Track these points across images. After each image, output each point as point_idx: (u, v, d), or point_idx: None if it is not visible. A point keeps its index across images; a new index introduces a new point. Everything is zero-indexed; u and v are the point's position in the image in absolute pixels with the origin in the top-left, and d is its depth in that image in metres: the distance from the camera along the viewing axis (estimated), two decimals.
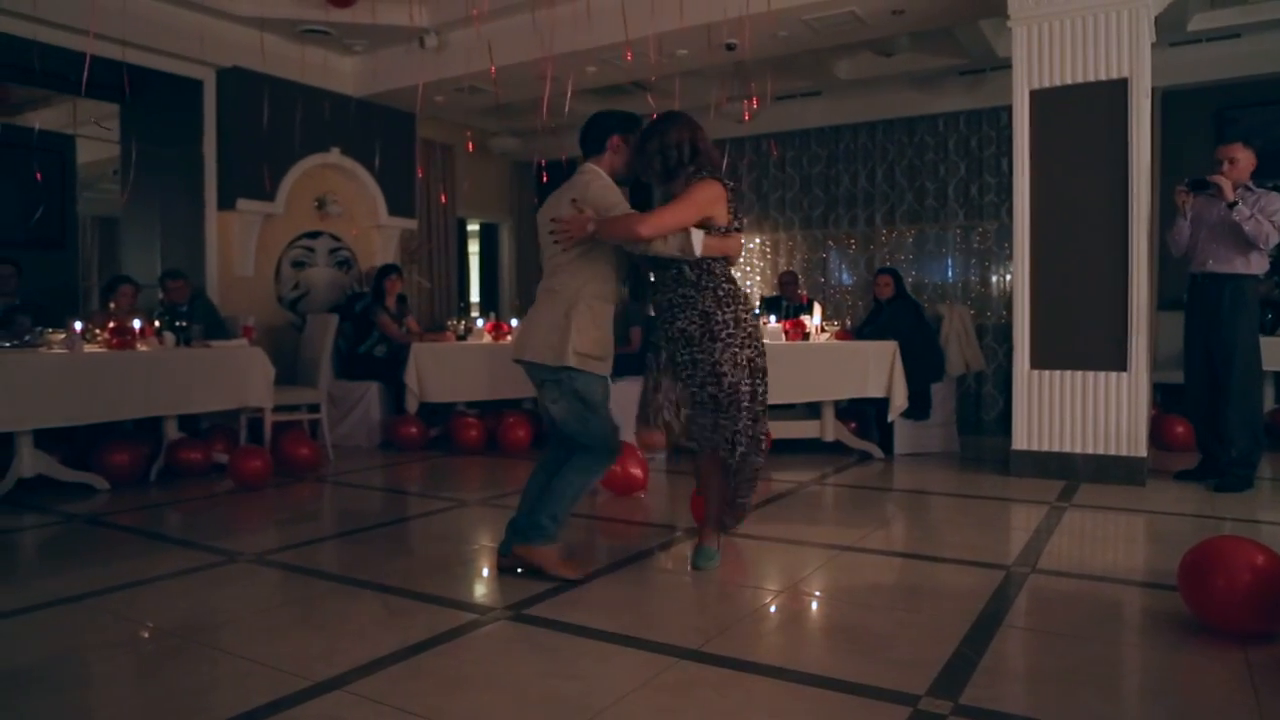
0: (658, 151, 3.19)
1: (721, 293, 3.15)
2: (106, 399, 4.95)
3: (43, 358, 4.80)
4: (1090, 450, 5.09)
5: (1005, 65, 5.80)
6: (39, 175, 6.95)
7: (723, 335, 3.13)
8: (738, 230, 3.18)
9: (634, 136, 3.26)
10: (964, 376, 7.09)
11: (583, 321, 3.12)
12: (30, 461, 4.83)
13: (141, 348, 5.25)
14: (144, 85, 6.68)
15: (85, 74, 5.20)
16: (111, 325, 5.25)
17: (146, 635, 2.82)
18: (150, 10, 6.26)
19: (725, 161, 8.98)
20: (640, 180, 3.32)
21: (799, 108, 8.66)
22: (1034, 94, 5.21)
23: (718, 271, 3.15)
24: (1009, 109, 5.45)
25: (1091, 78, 5.06)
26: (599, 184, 3.17)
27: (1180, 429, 6.15)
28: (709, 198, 3.09)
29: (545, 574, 3.22)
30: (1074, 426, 5.14)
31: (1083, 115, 5.09)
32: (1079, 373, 5.13)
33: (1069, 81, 5.12)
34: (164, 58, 6.59)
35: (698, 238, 3.03)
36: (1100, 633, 2.75)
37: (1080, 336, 5.13)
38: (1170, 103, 7.34)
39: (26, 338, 5.06)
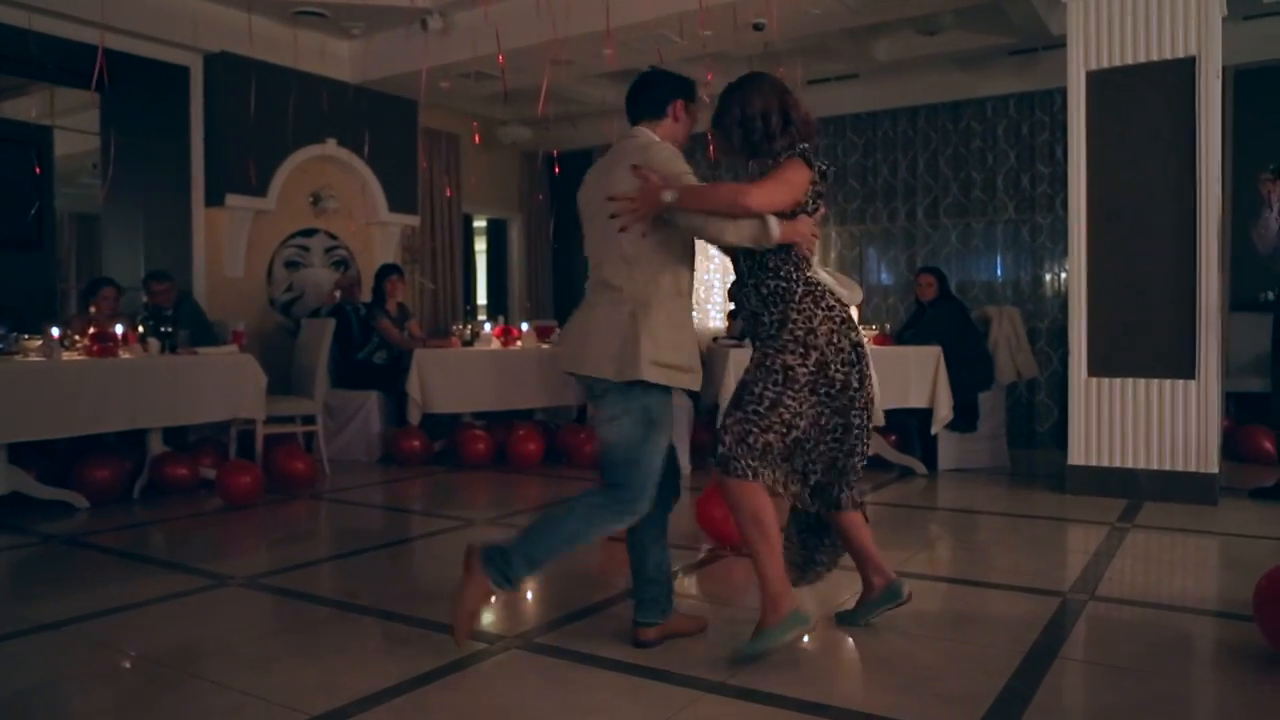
0: (738, 123, 2.91)
1: (766, 290, 2.87)
2: (86, 410, 5.00)
3: (18, 366, 4.86)
4: (1155, 466, 5.05)
5: (1059, 44, 5.77)
6: (36, 169, 7.05)
7: (764, 335, 2.89)
8: (809, 214, 2.87)
9: (694, 106, 3.00)
10: (1014, 385, 7.06)
11: (657, 323, 2.75)
12: (4, 478, 4.89)
13: (124, 355, 5.31)
14: (126, 72, 6.76)
15: (98, 65, 5.27)
16: (92, 331, 5.32)
17: (130, 665, 2.86)
18: None
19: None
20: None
21: (833, 92, 8.64)
22: (1091, 75, 5.19)
23: (770, 265, 2.85)
24: (1063, 92, 5.43)
25: (1155, 56, 5.04)
26: (663, 150, 2.85)
27: (1258, 442, 6.10)
28: (800, 181, 2.81)
29: None
30: (1137, 439, 5.10)
31: (1145, 98, 5.07)
32: (1142, 380, 5.10)
33: (1130, 61, 5.09)
34: (146, 43, 6.67)
35: (775, 224, 2.73)
36: (1167, 667, 2.74)
37: (1143, 341, 5.10)
38: (1244, 83, 7.27)
39: (0, 345, 5.13)
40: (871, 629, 3.10)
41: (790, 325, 2.83)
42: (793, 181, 2.79)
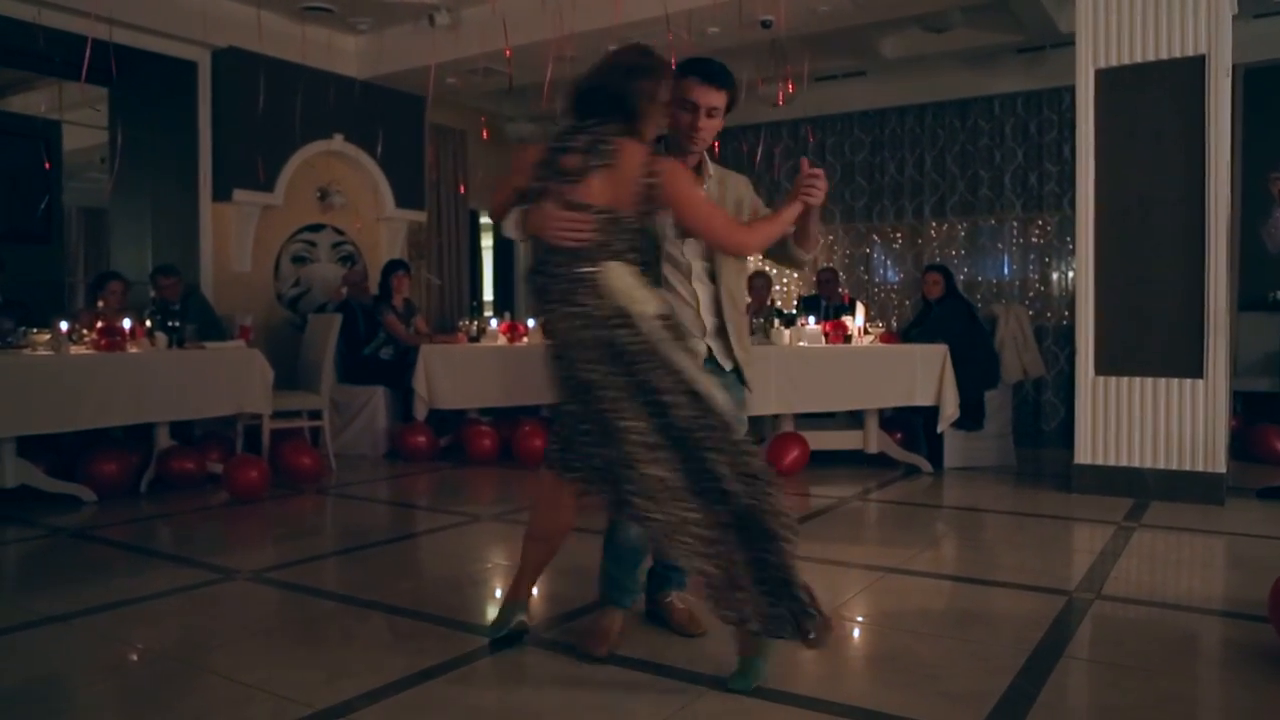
0: None
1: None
2: (94, 404, 5.02)
3: (27, 360, 4.88)
4: (1162, 465, 5.04)
5: (1068, 42, 5.76)
6: (46, 164, 7.08)
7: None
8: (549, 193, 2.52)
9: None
10: (1021, 383, 7.04)
11: None
12: (13, 471, 4.91)
13: (132, 349, 5.33)
14: (134, 67, 6.78)
15: (86, 58, 5.28)
16: (100, 325, 5.33)
17: (137, 658, 2.87)
18: None
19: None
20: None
21: (840, 89, 8.63)
22: (1100, 73, 5.17)
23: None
24: (1072, 90, 5.41)
25: (1164, 55, 5.02)
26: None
27: (1266, 442, 6.09)
28: (516, 167, 2.68)
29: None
30: (1143, 439, 5.09)
31: (1154, 96, 5.05)
32: (1149, 379, 5.08)
33: (1139, 59, 5.07)
34: (155, 37, 6.69)
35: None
36: (1174, 666, 2.73)
37: (1151, 340, 5.08)
38: (1253, 81, 7.25)
39: (9, 339, 5.15)
40: (876, 627, 3.10)
41: (548, 328, 2.54)
42: (514, 169, 2.68)
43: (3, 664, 2.83)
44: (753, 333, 6.44)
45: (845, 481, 5.72)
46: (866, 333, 6.28)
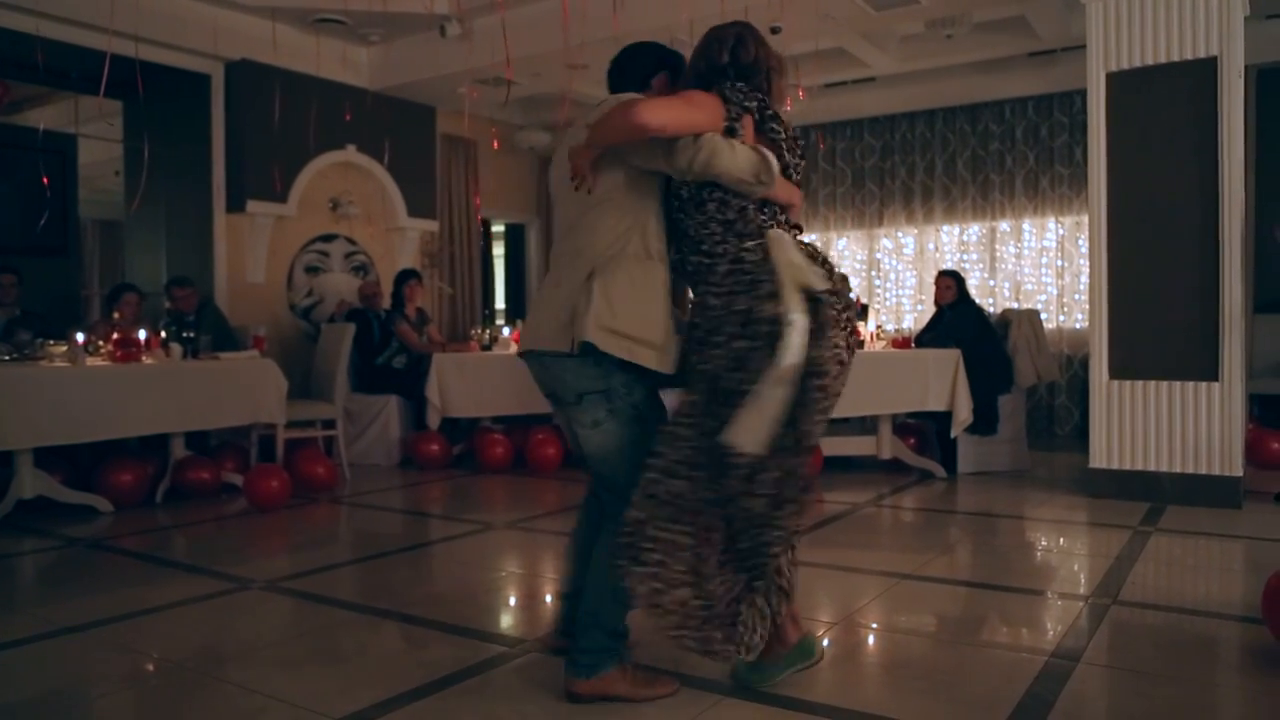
0: (700, 55, 2.50)
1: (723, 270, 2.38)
2: (110, 415, 5.05)
3: (43, 371, 4.91)
4: (1177, 469, 5.01)
5: (1079, 46, 5.75)
6: (46, 179, 7.14)
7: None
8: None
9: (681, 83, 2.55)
10: (1035, 388, 7.01)
11: (618, 286, 2.34)
12: (30, 482, 4.94)
13: (147, 360, 5.35)
14: (148, 80, 6.81)
15: (105, 72, 5.31)
16: (115, 336, 5.36)
17: (152, 668, 2.88)
18: (154, 0, 6.39)
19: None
20: None
21: (850, 95, 8.64)
22: (1111, 76, 5.16)
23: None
24: (1083, 93, 5.39)
25: (1176, 57, 5.00)
26: (611, 102, 2.47)
27: None
28: (713, 107, 2.35)
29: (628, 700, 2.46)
30: (1159, 442, 5.06)
31: (1166, 99, 5.03)
32: (1164, 383, 5.06)
33: (1150, 62, 5.06)
34: (169, 51, 6.73)
35: (774, 162, 2.34)
36: (1192, 672, 2.71)
37: (1165, 343, 5.05)
38: (1267, 82, 7.21)
39: (26, 350, 5.19)
40: (891, 633, 3.09)
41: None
42: (705, 104, 2.38)
43: (19, 674, 2.85)
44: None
45: (858, 487, 5.70)
46: (878, 338, 6.26)
